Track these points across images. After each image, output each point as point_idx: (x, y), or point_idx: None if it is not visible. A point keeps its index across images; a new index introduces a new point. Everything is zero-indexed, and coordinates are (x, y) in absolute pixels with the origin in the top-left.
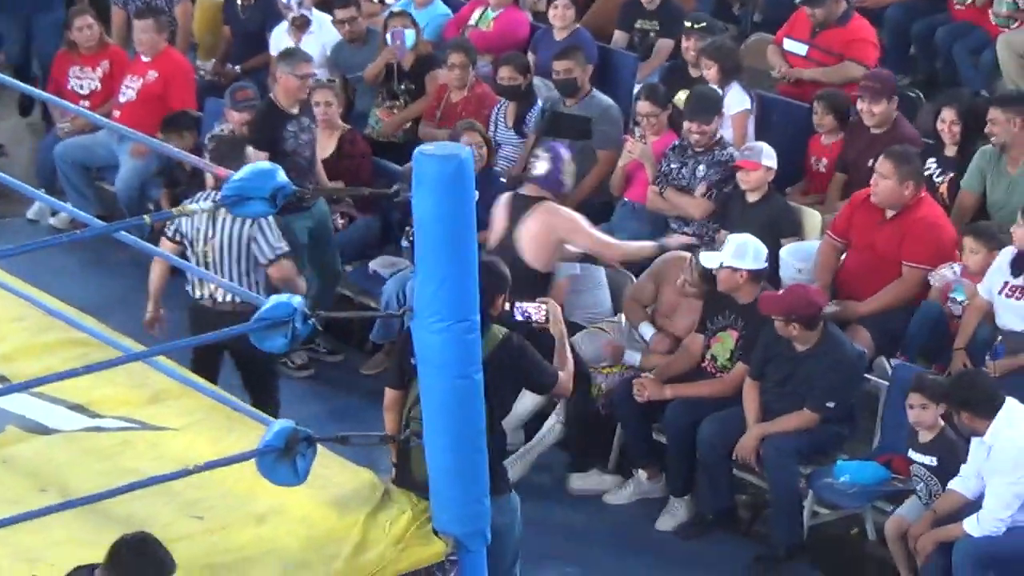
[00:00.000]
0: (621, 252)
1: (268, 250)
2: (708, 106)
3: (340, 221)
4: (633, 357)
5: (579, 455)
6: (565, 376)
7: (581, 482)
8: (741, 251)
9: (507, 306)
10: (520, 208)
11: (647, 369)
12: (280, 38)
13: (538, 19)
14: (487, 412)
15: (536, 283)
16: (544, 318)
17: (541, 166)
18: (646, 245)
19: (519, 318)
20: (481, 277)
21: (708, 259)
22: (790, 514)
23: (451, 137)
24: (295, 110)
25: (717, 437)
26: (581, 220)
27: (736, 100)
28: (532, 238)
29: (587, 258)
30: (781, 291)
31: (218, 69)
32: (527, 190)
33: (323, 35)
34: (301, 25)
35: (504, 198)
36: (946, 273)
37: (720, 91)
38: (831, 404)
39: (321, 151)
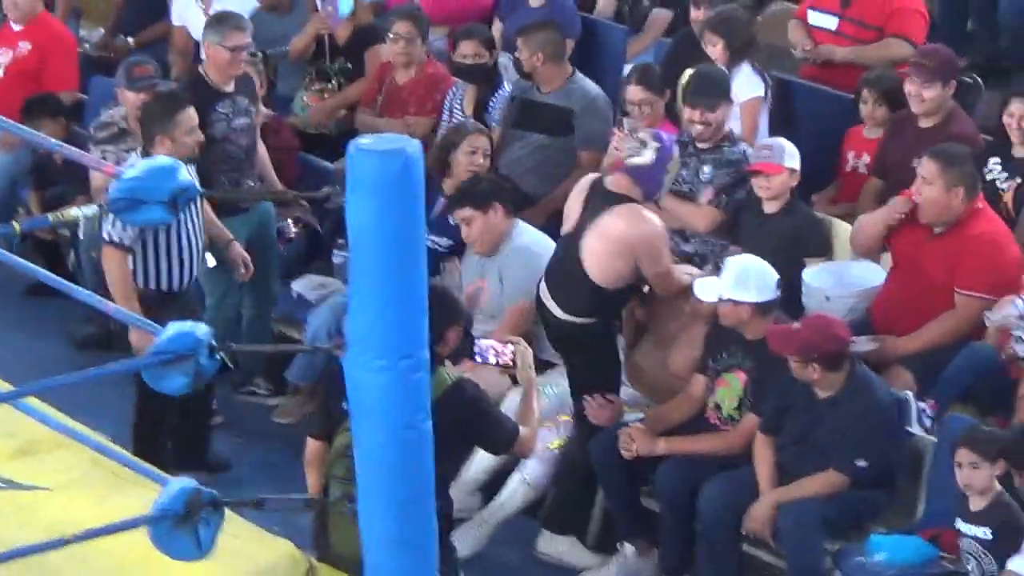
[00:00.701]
0: (678, 288)
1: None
2: (713, 89)
3: (294, 229)
4: (633, 416)
5: (557, 514)
6: (528, 433)
7: (551, 546)
8: (742, 280)
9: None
10: (600, 201)
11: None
12: (183, 3)
13: None
14: None
15: (591, 297)
16: (510, 361)
17: (646, 155)
18: (689, 277)
19: (478, 360)
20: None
21: (704, 290)
22: None
23: (450, 139)
24: (229, 88)
25: (722, 504)
26: (666, 241)
27: (746, 85)
28: (603, 245)
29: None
30: (796, 324)
31: (106, 41)
32: (614, 182)
33: (237, 0)
34: None
35: (584, 182)
36: (1009, 311)
37: (728, 73)
38: (863, 463)
39: None
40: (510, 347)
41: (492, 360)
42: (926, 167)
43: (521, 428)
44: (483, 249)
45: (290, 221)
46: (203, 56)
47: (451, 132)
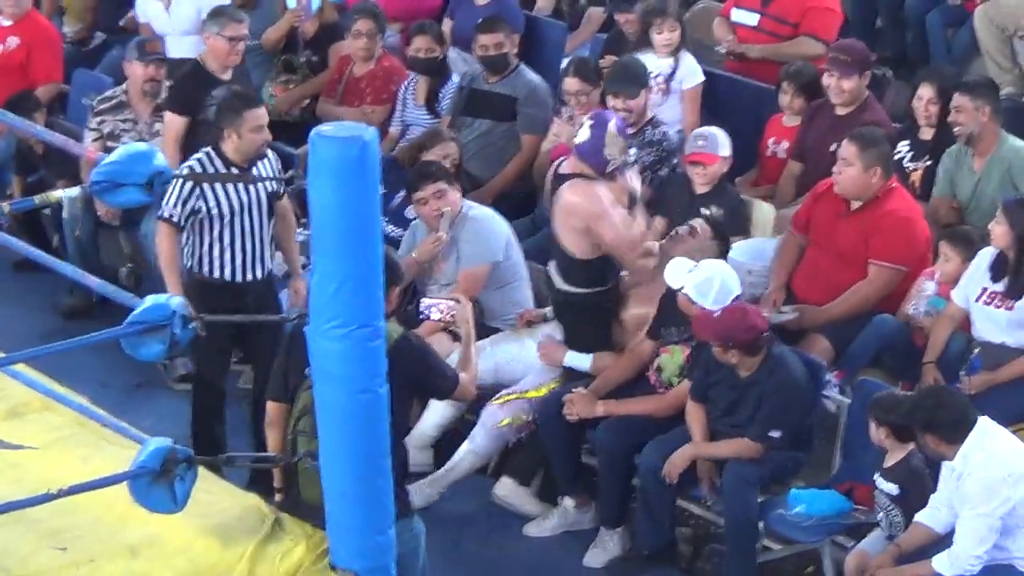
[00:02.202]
0: (646, 254)
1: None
2: (633, 78)
3: None
4: (581, 360)
5: (518, 463)
6: (467, 379)
7: (506, 491)
8: (705, 286)
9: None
10: (558, 183)
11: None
12: (145, 1)
13: None
14: None
15: (579, 270)
16: (449, 317)
17: (582, 134)
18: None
19: (420, 318)
20: None
21: (672, 276)
22: (745, 551)
23: (425, 141)
24: (226, 76)
25: (661, 464)
26: (608, 206)
27: (690, 72)
28: (562, 220)
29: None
30: (717, 312)
31: (82, 35)
32: (567, 164)
33: None
34: None
35: (551, 169)
36: (928, 293)
37: (673, 60)
38: (776, 433)
39: None
40: (450, 304)
41: (435, 316)
42: (846, 149)
43: (461, 375)
44: (451, 219)
45: None
46: (169, 50)
47: (427, 135)
